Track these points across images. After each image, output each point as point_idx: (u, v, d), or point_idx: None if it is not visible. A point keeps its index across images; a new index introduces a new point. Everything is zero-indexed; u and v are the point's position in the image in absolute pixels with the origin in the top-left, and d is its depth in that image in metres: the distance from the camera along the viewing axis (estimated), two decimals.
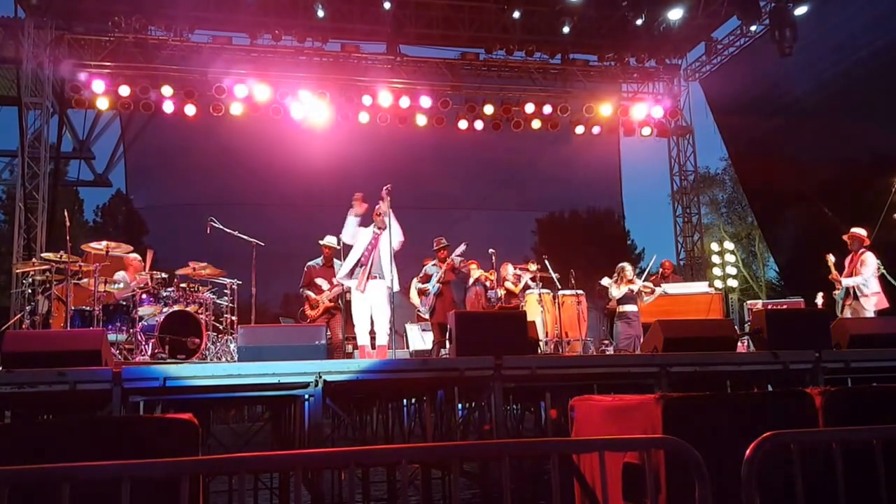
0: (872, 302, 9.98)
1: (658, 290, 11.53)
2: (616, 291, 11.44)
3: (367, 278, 8.44)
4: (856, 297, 10.10)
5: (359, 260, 8.54)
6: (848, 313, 9.99)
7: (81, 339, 5.50)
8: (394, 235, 8.26)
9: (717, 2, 15.38)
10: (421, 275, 11.50)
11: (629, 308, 11.53)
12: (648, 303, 11.48)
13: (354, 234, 8.57)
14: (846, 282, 10.17)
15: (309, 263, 10.33)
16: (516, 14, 14.71)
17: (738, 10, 15.05)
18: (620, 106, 17.37)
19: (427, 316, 11.27)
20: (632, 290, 11.38)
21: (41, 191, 14.32)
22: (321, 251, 10.27)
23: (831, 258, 10.52)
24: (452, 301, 10.95)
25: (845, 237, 10.58)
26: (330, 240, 10.05)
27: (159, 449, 2.97)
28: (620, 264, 11.65)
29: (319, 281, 10.07)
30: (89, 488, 2.33)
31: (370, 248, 8.49)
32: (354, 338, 9.53)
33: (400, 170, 16.86)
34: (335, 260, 9.91)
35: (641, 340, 11.38)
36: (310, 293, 10.12)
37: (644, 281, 12.06)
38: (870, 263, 10.17)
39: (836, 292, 10.40)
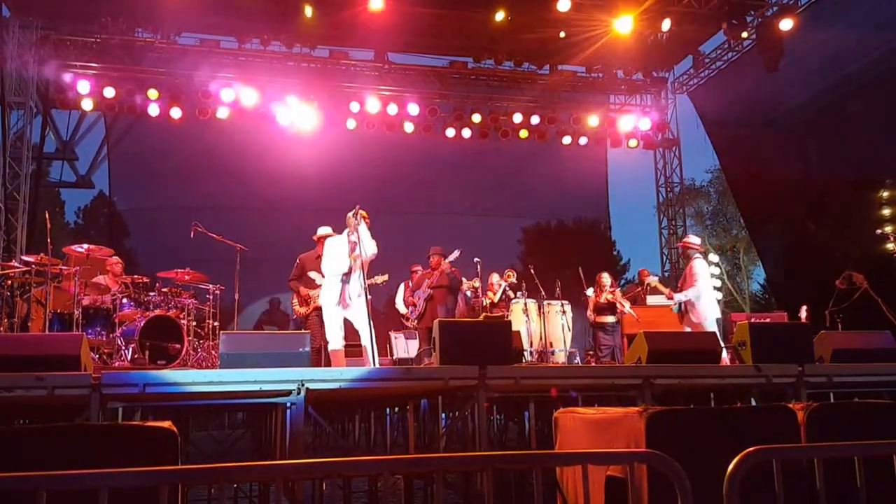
0: (702, 312, 9.22)
1: (627, 309, 11.62)
2: (592, 302, 11.88)
3: (349, 296, 7.84)
4: (687, 311, 9.34)
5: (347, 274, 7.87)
6: (688, 330, 9.10)
7: (60, 344, 5.42)
8: (368, 248, 7.76)
9: (705, 16, 15.47)
10: (413, 283, 11.47)
11: (607, 318, 11.79)
12: (628, 313, 11.66)
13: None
14: (677, 297, 9.37)
15: (301, 255, 9.76)
16: (499, 15, 14.51)
17: (724, 24, 15.13)
18: (608, 117, 17.46)
19: (415, 321, 11.22)
20: (608, 300, 11.73)
21: (22, 191, 14.18)
22: (317, 245, 9.32)
23: (648, 277, 10.11)
24: (443, 307, 10.88)
25: (679, 246, 9.86)
26: (324, 230, 9.13)
27: (137, 457, 2.92)
28: (599, 274, 12.01)
29: (313, 275, 9.36)
30: (66, 497, 2.29)
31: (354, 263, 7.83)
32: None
33: (387, 176, 16.86)
34: None
35: (622, 350, 11.58)
36: (301, 287, 9.56)
37: (622, 290, 12.34)
38: (699, 271, 9.41)
39: (672, 307, 9.62)
